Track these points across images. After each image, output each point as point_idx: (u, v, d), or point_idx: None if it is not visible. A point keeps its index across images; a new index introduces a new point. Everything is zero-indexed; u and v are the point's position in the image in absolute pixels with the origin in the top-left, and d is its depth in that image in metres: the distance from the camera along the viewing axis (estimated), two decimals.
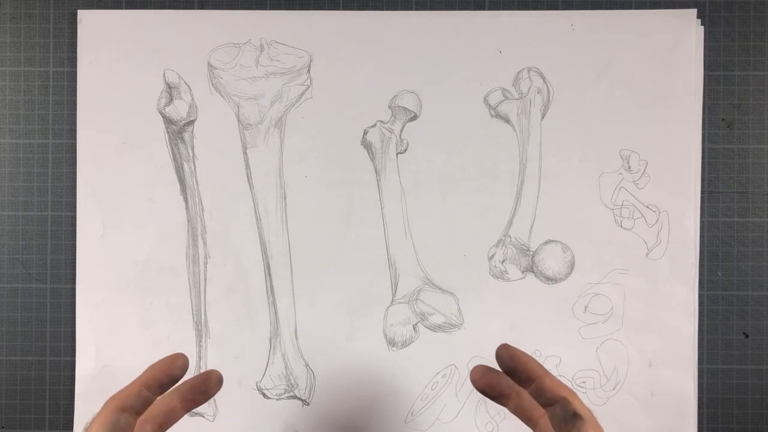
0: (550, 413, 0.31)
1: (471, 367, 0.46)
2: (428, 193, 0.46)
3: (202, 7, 0.47)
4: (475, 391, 0.45)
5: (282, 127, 0.46)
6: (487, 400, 0.35)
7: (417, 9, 0.46)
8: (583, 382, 0.46)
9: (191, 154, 0.46)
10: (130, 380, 0.34)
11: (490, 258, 0.46)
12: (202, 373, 0.34)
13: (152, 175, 0.46)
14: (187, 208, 0.46)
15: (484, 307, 0.46)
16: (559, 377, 0.45)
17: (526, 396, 0.33)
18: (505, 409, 0.33)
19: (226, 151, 0.46)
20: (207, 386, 0.34)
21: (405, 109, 0.46)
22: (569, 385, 0.46)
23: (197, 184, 0.46)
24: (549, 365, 0.46)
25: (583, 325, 0.46)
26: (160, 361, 0.33)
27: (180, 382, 0.34)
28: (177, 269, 0.46)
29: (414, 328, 0.46)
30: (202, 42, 0.46)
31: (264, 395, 0.46)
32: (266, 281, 0.46)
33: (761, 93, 0.46)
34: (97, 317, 0.46)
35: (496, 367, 0.33)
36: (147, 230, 0.46)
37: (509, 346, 0.32)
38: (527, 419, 0.33)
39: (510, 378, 0.32)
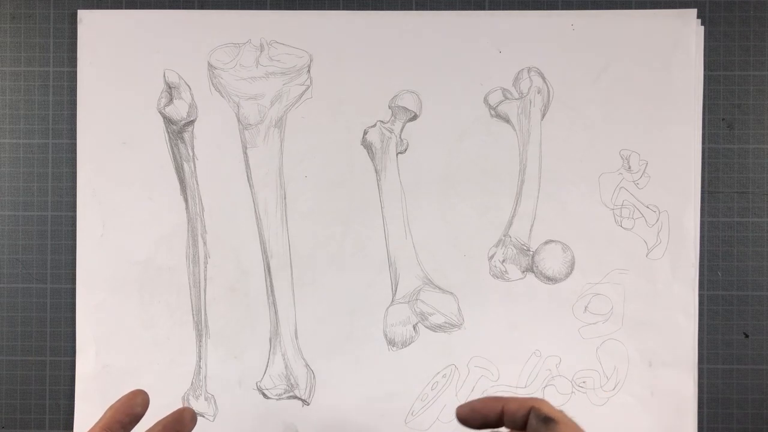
0: (530, 429, 0.31)
1: (471, 367, 0.46)
2: (428, 193, 0.46)
3: (202, 7, 0.47)
4: (475, 390, 0.46)
5: (282, 127, 0.46)
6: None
7: (417, 9, 0.46)
8: (583, 382, 0.46)
9: (191, 154, 0.46)
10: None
11: (490, 258, 0.46)
12: (176, 411, 0.33)
13: (152, 175, 0.46)
14: (187, 208, 0.46)
15: (484, 307, 0.46)
16: (558, 377, 0.45)
17: (514, 425, 0.33)
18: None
19: (226, 151, 0.46)
20: (181, 425, 0.33)
21: (405, 109, 0.46)
22: (569, 385, 0.46)
23: (197, 184, 0.46)
24: (549, 365, 0.46)
25: (583, 325, 0.46)
26: (119, 400, 0.32)
27: (154, 423, 0.33)
28: (177, 269, 0.46)
29: (414, 328, 0.46)
30: (202, 42, 0.46)
31: (264, 395, 0.46)
32: (266, 281, 0.46)
33: (761, 93, 0.46)
34: (97, 317, 0.46)
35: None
36: (147, 230, 0.46)
37: (463, 404, 0.32)
38: None
39: (486, 429, 0.32)
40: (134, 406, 0.31)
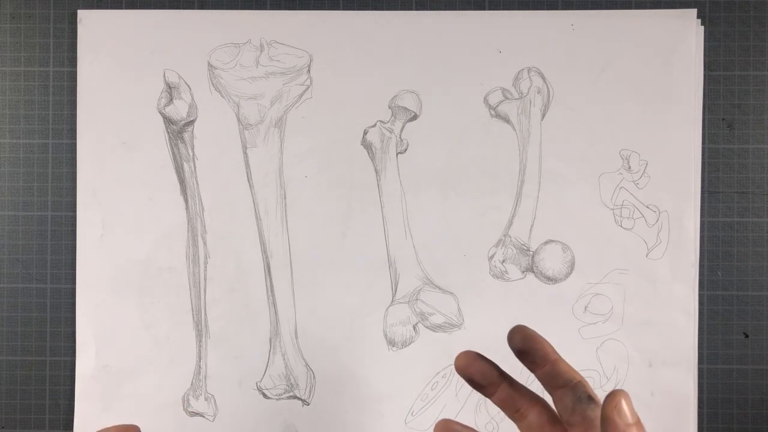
0: (558, 396, 0.30)
1: None
2: (428, 193, 0.46)
3: (202, 7, 0.47)
4: (475, 391, 0.45)
5: (282, 127, 0.46)
6: (488, 399, 0.35)
7: (417, 9, 0.46)
8: None
9: (191, 154, 0.46)
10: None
11: (490, 258, 0.46)
12: (121, 426, 0.31)
13: (152, 175, 0.46)
14: (187, 208, 0.46)
15: (484, 307, 0.46)
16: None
17: (518, 387, 0.32)
18: None
19: (226, 151, 0.46)
20: None
21: (405, 109, 0.46)
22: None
23: (197, 184, 0.46)
24: None
25: (583, 325, 0.46)
26: (108, 430, 0.31)
27: None
28: (177, 269, 0.46)
29: (414, 328, 0.46)
30: (202, 42, 0.46)
31: (264, 395, 0.46)
32: (266, 281, 0.46)
33: (761, 93, 0.46)
34: (97, 317, 0.46)
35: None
36: (147, 230, 0.46)
37: (525, 327, 0.31)
38: (515, 410, 0.32)
39: (521, 359, 0.31)
40: None
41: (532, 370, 0.31)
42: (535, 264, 0.46)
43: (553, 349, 0.31)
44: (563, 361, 0.31)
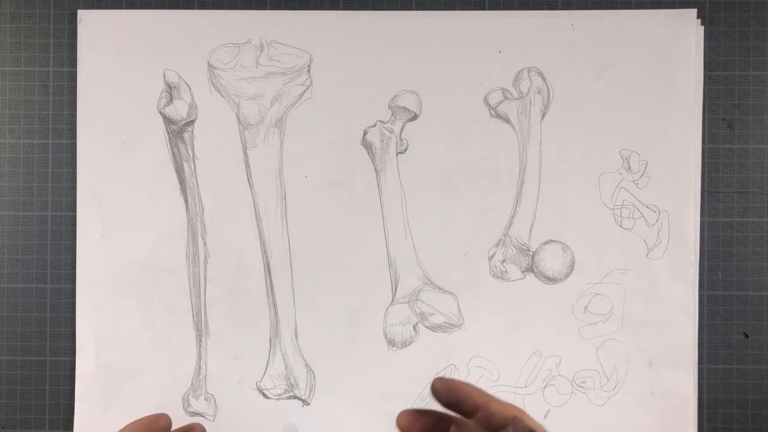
0: None
1: (471, 367, 0.46)
2: (428, 193, 0.46)
3: (202, 7, 0.47)
4: None
5: (282, 127, 0.46)
6: None
7: (417, 9, 0.46)
8: (583, 382, 0.46)
9: (191, 154, 0.46)
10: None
11: (490, 258, 0.46)
12: (152, 415, 0.33)
13: (152, 175, 0.46)
14: (187, 208, 0.46)
15: (484, 307, 0.46)
16: (558, 377, 0.45)
17: (464, 425, 0.32)
18: None
19: (226, 151, 0.46)
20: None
21: (405, 109, 0.46)
22: (569, 385, 0.46)
23: (197, 184, 0.46)
24: (549, 365, 0.46)
25: (583, 325, 0.46)
26: (141, 419, 0.31)
27: (127, 424, 0.32)
28: (177, 269, 0.46)
29: (414, 328, 0.46)
30: (202, 42, 0.46)
31: (264, 395, 0.46)
32: (266, 281, 0.46)
33: (761, 93, 0.46)
34: (97, 317, 0.46)
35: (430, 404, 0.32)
36: (147, 230, 0.46)
37: (445, 378, 0.31)
38: None
39: (452, 410, 0.31)
40: (157, 429, 0.31)
41: (466, 417, 0.31)
42: (535, 264, 0.46)
43: (480, 392, 0.31)
44: (494, 400, 0.30)
